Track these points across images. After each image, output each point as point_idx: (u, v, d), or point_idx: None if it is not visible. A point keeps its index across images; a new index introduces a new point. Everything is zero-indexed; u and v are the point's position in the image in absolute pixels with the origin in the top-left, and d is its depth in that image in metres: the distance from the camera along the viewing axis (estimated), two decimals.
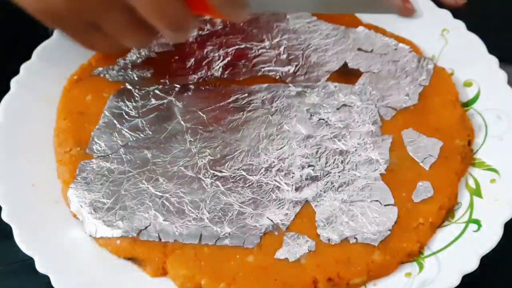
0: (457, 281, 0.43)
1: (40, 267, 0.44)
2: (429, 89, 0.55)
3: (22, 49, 0.57)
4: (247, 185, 0.49)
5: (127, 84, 0.55)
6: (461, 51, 0.57)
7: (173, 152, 0.50)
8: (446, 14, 0.60)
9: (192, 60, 0.57)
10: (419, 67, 0.56)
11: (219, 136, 0.51)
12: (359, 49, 0.57)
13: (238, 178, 0.49)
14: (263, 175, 0.49)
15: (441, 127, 0.52)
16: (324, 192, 0.48)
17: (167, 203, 0.47)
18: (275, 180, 0.49)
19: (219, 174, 0.49)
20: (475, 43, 0.57)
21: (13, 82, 0.54)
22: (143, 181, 0.49)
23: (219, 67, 0.56)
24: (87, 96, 0.54)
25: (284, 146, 0.51)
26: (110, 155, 0.50)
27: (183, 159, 0.50)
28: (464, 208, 0.48)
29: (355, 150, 0.51)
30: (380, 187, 0.48)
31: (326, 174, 0.49)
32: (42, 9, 0.47)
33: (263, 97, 0.54)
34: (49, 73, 0.55)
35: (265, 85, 0.55)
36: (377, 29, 0.59)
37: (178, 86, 0.55)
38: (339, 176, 0.49)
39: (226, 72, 0.56)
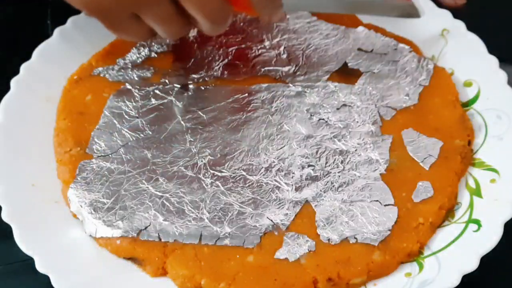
0: (457, 281, 0.43)
1: (40, 267, 0.44)
2: (429, 89, 0.55)
3: (22, 49, 0.57)
4: (247, 185, 0.49)
5: (127, 84, 0.55)
6: (461, 51, 0.57)
7: (173, 152, 0.50)
8: (446, 14, 0.60)
9: (192, 60, 0.57)
10: (419, 67, 0.56)
11: (219, 136, 0.52)
12: (359, 49, 0.57)
13: (238, 178, 0.49)
14: (263, 175, 0.49)
15: (441, 127, 0.52)
16: (324, 192, 0.48)
17: (167, 203, 0.47)
18: (275, 180, 0.49)
19: (219, 174, 0.49)
20: (475, 43, 0.57)
21: (13, 82, 0.54)
22: (143, 181, 0.49)
23: (219, 67, 0.56)
24: (87, 96, 0.54)
25: (284, 146, 0.51)
26: (110, 155, 0.50)
27: (183, 159, 0.50)
28: (464, 208, 0.48)
29: (355, 150, 0.51)
30: (380, 187, 0.48)
31: (326, 174, 0.49)
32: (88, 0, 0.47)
33: (263, 97, 0.54)
34: (49, 73, 0.55)
35: (265, 85, 0.55)
36: (377, 29, 0.59)
37: (178, 86, 0.55)
38: (339, 176, 0.49)
39: (226, 72, 0.56)
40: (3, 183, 0.48)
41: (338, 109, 0.53)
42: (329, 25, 0.59)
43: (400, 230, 0.46)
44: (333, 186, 0.49)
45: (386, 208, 0.47)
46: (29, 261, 0.45)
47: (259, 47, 0.58)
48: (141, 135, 0.51)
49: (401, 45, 0.58)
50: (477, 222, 0.47)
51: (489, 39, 0.57)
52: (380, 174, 0.49)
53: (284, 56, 0.57)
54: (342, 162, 0.50)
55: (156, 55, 0.57)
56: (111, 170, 0.49)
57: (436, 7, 0.60)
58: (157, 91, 0.54)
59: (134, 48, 0.57)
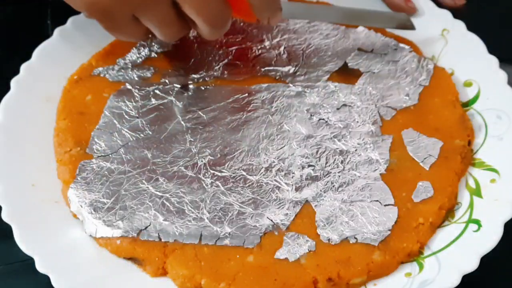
0: (457, 281, 0.43)
1: (40, 267, 0.44)
2: (429, 89, 0.55)
3: (22, 49, 0.57)
4: (247, 185, 0.49)
5: (127, 84, 0.55)
6: (461, 51, 0.57)
7: (173, 152, 0.50)
8: (446, 14, 0.60)
9: (192, 60, 0.57)
10: (419, 67, 0.56)
11: (219, 136, 0.51)
12: (359, 49, 0.58)
13: (238, 178, 0.49)
14: (263, 175, 0.49)
15: (441, 127, 0.52)
16: (324, 192, 0.48)
17: (167, 203, 0.47)
18: (275, 180, 0.49)
19: (219, 174, 0.49)
20: (475, 43, 0.57)
21: (13, 82, 0.54)
22: (143, 181, 0.49)
23: (219, 67, 0.56)
24: (87, 96, 0.54)
25: (284, 146, 0.51)
26: (110, 155, 0.50)
27: (183, 159, 0.50)
28: (464, 208, 0.48)
29: (355, 150, 0.51)
30: (380, 187, 0.48)
31: (326, 174, 0.49)
32: (89, 1, 0.47)
33: (263, 97, 0.54)
34: (49, 73, 0.55)
35: (265, 85, 0.55)
36: (377, 29, 0.59)
37: (178, 86, 0.55)
38: (339, 176, 0.49)
39: (226, 72, 0.56)
40: (3, 183, 0.48)
41: (338, 109, 0.53)
42: (329, 25, 0.59)
43: (400, 230, 0.46)
44: (333, 186, 0.48)
45: (386, 208, 0.47)
46: (29, 261, 0.45)
47: (259, 47, 0.58)
48: (141, 135, 0.51)
49: (401, 45, 0.58)
50: (477, 222, 0.47)
51: (489, 39, 0.57)
52: (380, 174, 0.49)
53: (284, 56, 0.57)
54: (342, 162, 0.50)
55: (156, 55, 0.57)
56: (111, 170, 0.49)
57: (436, 7, 0.60)
58: (157, 91, 0.54)
59: (134, 48, 0.57)
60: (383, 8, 0.62)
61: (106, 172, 0.49)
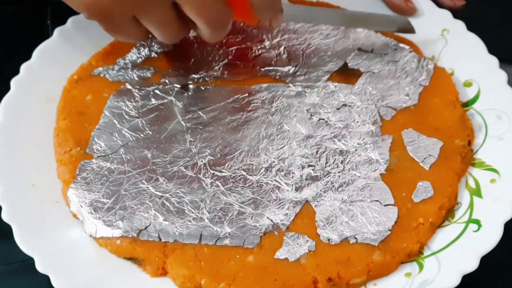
0: (457, 281, 0.43)
1: (40, 267, 0.44)
2: (429, 89, 0.55)
3: (22, 49, 0.57)
4: (247, 185, 0.49)
5: (127, 84, 0.55)
6: (461, 51, 0.57)
7: (173, 152, 0.50)
8: (446, 14, 0.60)
9: (192, 60, 0.57)
10: (419, 67, 0.56)
11: (219, 136, 0.51)
12: (359, 49, 0.58)
13: (238, 178, 0.49)
14: (263, 175, 0.49)
15: (441, 127, 0.52)
16: (324, 192, 0.48)
17: (167, 203, 0.47)
18: (275, 180, 0.49)
19: (219, 174, 0.49)
20: (475, 43, 0.57)
21: (13, 82, 0.54)
22: (143, 181, 0.49)
23: (219, 67, 0.56)
24: (87, 96, 0.54)
25: (284, 146, 0.51)
26: (110, 155, 0.50)
27: (183, 159, 0.50)
28: (464, 208, 0.48)
29: (355, 150, 0.51)
30: (380, 187, 0.48)
31: (326, 174, 0.49)
32: (89, 3, 0.47)
33: (263, 97, 0.54)
34: (49, 73, 0.55)
35: (265, 85, 0.55)
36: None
37: (178, 86, 0.55)
38: (339, 176, 0.49)
39: (226, 72, 0.56)
40: (3, 183, 0.48)
41: (338, 109, 0.53)
42: (329, 25, 0.59)
43: (400, 230, 0.46)
44: (333, 186, 0.48)
45: (386, 208, 0.47)
46: (29, 261, 0.45)
47: (259, 47, 0.58)
48: (141, 135, 0.51)
49: (401, 45, 0.58)
50: (477, 222, 0.47)
51: (489, 39, 0.57)
52: (380, 174, 0.49)
53: (284, 56, 0.57)
54: (342, 162, 0.50)
55: (156, 55, 0.57)
56: (111, 170, 0.49)
57: (436, 7, 0.60)
58: (157, 91, 0.54)
59: (134, 48, 0.57)
60: (383, 8, 0.62)
61: (106, 172, 0.49)
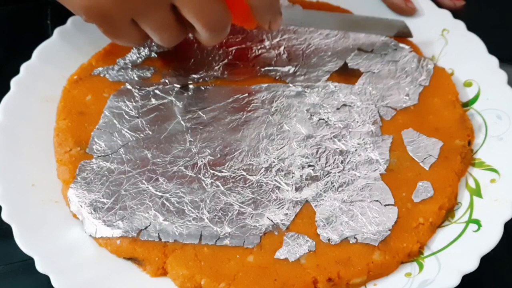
0: (457, 281, 0.43)
1: (40, 267, 0.44)
2: (429, 89, 0.55)
3: (22, 49, 0.57)
4: (247, 185, 0.49)
5: (127, 84, 0.55)
6: (461, 51, 0.57)
7: (173, 152, 0.50)
8: (446, 14, 0.60)
9: (192, 60, 0.57)
10: (419, 67, 0.56)
11: (219, 136, 0.51)
12: (359, 49, 0.58)
13: (238, 178, 0.49)
14: (263, 175, 0.49)
15: (441, 127, 0.52)
16: (324, 192, 0.48)
17: (167, 203, 0.47)
18: (275, 180, 0.49)
19: (219, 174, 0.49)
20: (475, 43, 0.57)
21: (13, 82, 0.54)
22: (143, 181, 0.49)
23: (219, 67, 0.56)
24: (87, 96, 0.54)
25: (284, 146, 0.51)
26: (110, 155, 0.50)
27: (183, 159, 0.50)
28: (464, 208, 0.48)
29: (355, 150, 0.51)
30: (380, 187, 0.48)
31: (326, 174, 0.49)
32: (88, 5, 0.47)
33: (263, 97, 0.54)
34: (49, 73, 0.56)
35: (265, 85, 0.55)
36: None
37: (178, 86, 0.55)
38: (339, 176, 0.49)
39: (226, 72, 0.56)
40: (3, 183, 0.48)
41: (338, 109, 0.53)
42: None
43: (400, 230, 0.46)
44: (333, 186, 0.48)
45: (386, 208, 0.47)
46: (29, 261, 0.45)
47: (259, 47, 0.58)
48: (141, 135, 0.51)
49: (401, 45, 0.58)
50: (477, 222, 0.47)
51: (489, 39, 0.57)
52: (380, 174, 0.49)
53: (284, 56, 0.57)
54: (342, 162, 0.50)
55: (156, 55, 0.57)
56: (111, 170, 0.49)
57: (436, 7, 0.61)
58: (157, 91, 0.54)
59: (134, 48, 0.57)
60: (383, 8, 0.62)
61: (106, 172, 0.49)
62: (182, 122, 0.52)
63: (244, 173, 0.49)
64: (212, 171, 0.49)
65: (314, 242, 0.46)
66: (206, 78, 0.55)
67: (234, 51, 0.57)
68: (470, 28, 0.58)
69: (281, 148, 0.51)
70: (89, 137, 0.51)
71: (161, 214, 0.47)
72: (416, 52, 0.57)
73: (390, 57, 0.57)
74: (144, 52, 0.57)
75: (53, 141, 0.52)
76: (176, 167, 0.49)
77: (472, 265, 0.44)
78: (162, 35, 0.49)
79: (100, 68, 0.56)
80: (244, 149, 0.51)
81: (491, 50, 0.56)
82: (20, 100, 0.53)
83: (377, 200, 0.48)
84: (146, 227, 0.46)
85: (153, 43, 0.57)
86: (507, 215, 0.46)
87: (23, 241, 0.45)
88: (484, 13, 0.65)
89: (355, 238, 0.46)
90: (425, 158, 0.50)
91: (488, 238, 0.45)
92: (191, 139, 0.51)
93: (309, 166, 0.50)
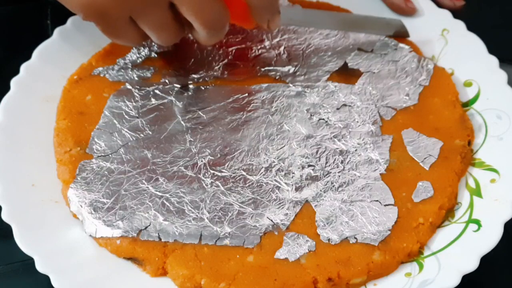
0: (457, 281, 0.43)
1: (40, 267, 0.44)
2: (429, 89, 0.55)
3: (22, 49, 0.57)
4: (247, 185, 0.49)
5: (127, 84, 0.55)
6: (461, 51, 0.57)
7: (173, 152, 0.50)
8: (446, 14, 0.60)
9: (192, 60, 0.57)
10: (419, 67, 0.56)
11: (219, 136, 0.52)
12: (359, 49, 0.58)
13: (238, 178, 0.49)
14: (263, 175, 0.49)
15: (441, 127, 0.52)
16: (324, 192, 0.48)
17: (167, 203, 0.47)
18: (275, 180, 0.49)
19: (219, 174, 0.49)
20: (475, 43, 0.57)
21: (13, 82, 0.54)
22: (143, 181, 0.49)
23: (219, 67, 0.56)
24: (87, 96, 0.54)
25: (284, 146, 0.51)
26: (110, 155, 0.50)
27: (183, 159, 0.50)
28: (464, 208, 0.48)
29: (355, 150, 0.51)
30: (380, 187, 0.48)
31: (326, 174, 0.49)
32: (85, 3, 0.47)
33: (263, 97, 0.54)
34: (49, 73, 0.56)
35: (265, 85, 0.55)
36: None
37: (178, 86, 0.55)
38: (339, 176, 0.49)
39: (226, 72, 0.56)
40: (3, 183, 0.48)
41: (338, 109, 0.53)
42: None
43: (400, 230, 0.46)
44: (333, 186, 0.48)
45: (386, 208, 0.47)
46: (29, 261, 0.45)
47: (259, 47, 0.58)
48: (141, 135, 0.51)
49: (401, 45, 0.58)
50: (477, 222, 0.47)
51: (489, 39, 0.57)
52: (380, 174, 0.49)
53: (284, 56, 0.57)
54: (342, 162, 0.50)
55: (156, 55, 0.57)
56: (111, 170, 0.49)
57: (436, 7, 0.61)
58: (157, 91, 0.54)
59: (134, 48, 0.57)
60: (383, 8, 0.62)
61: (106, 172, 0.49)
62: (182, 122, 0.52)
63: (244, 173, 0.49)
64: (212, 171, 0.49)
65: (314, 242, 0.46)
66: (206, 78, 0.55)
67: (234, 51, 0.57)
68: (470, 28, 0.58)
69: (281, 148, 0.51)
70: (89, 137, 0.51)
71: (161, 214, 0.47)
72: (416, 52, 0.57)
73: (390, 57, 0.57)
74: (144, 52, 0.57)
75: (53, 141, 0.52)
76: (176, 167, 0.49)
77: (472, 265, 0.44)
78: (160, 33, 0.49)
79: (100, 68, 0.56)
80: (244, 149, 0.51)
81: (491, 50, 0.56)
82: (20, 100, 0.53)
83: (377, 200, 0.48)
84: (146, 227, 0.46)
85: (153, 43, 0.57)
86: (507, 215, 0.46)
87: (23, 241, 0.45)
88: (484, 13, 0.65)
89: (355, 238, 0.46)
90: (425, 158, 0.50)
91: (488, 238, 0.45)
92: (191, 139, 0.51)
93: (309, 166, 0.50)
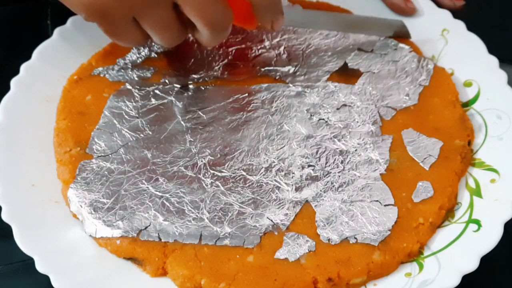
0: (457, 281, 0.43)
1: (40, 267, 0.44)
2: (429, 89, 0.55)
3: (22, 49, 0.57)
4: (247, 185, 0.49)
5: (127, 84, 0.55)
6: (461, 51, 0.57)
7: (173, 152, 0.50)
8: (446, 14, 0.60)
9: (192, 60, 0.57)
10: (419, 67, 0.56)
11: (219, 136, 0.52)
12: (359, 49, 0.58)
13: (238, 178, 0.49)
14: (263, 175, 0.49)
15: (441, 127, 0.52)
16: (324, 192, 0.48)
17: (167, 203, 0.47)
18: (275, 180, 0.49)
19: (219, 174, 0.49)
20: (475, 43, 0.57)
21: (13, 82, 0.54)
22: (143, 181, 0.49)
23: (219, 67, 0.56)
24: (87, 96, 0.54)
25: (284, 146, 0.51)
26: (110, 155, 0.50)
27: (183, 159, 0.50)
28: (464, 208, 0.48)
29: (355, 150, 0.51)
30: (380, 187, 0.48)
31: (326, 174, 0.49)
32: (88, 3, 0.47)
33: (263, 97, 0.54)
34: (49, 73, 0.56)
35: (265, 85, 0.55)
36: None
37: (178, 86, 0.55)
38: (339, 176, 0.49)
39: (226, 72, 0.56)
40: (3, 183, 0.48)
41: (338, 109, 0.53)
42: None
43: (400, 230, 0.46)
44: (333, 186, 0.48)
45: (386, 208, 0.47)
46: (29, 261, 0.45)
47: (259, 47, 0.58)
48: (141, 135, 0.51)
49: (401, 45, 0.58)
50: (477, 222, 0.47)
51: (489, 39, 0.57)
52: (380, 174, 0.49)
53: (284, 56, 0.57)
54: (342, 162, 0.50)
55: (156, 55, 0.57)
56: (111, 170, 0.49)
57: (436, 7, 0.61)
58: (157, 91, 0.54)
59: (134, 48, 0.57)
60: (383, 8, 0.62)
61: (106, 172, 0.49)
62: (182, 122, 0.52)
63: (244, 173, 0.49)
64: (212, 171, 0.49)
65: (314, 242, 0.46)
66: (206, 78, 0.56)
67: (234, 51, 0.57)
68: (470, 28, 0.58)
69: (281, 148, 0.51)
70: (89, 137, 0.51)
71: (161, 214, 0.47)
72: (416, 52, 0.57)
73: (390, 57, 0.57)
74: (144, 52, 0.57)
75: (53, 141, 0.52)
76: (176, 167, 0.50)
77: (472, 265, 0.44)
78: (163, 34, 0.49)
79: (100, 68, 0.56)
80: (244, 149, 0.51)
81: (491, 50, 0.56)
82: (20, 100, 0.53)
83: (377, 200, 0.48)
84: (146, 227, 0.46)
85: (153, 43, 0.57)
86: (507, 215, 0.46)
87: (23, 241, 0.45)
88: (484, 13, 0.65)
89: (355, 238, 0.46)
90: (425, 158, 0.50)
91: (488, 238, 0.45)
92: (191, 139, 0.51)
93: (309, 166, 0.50)
